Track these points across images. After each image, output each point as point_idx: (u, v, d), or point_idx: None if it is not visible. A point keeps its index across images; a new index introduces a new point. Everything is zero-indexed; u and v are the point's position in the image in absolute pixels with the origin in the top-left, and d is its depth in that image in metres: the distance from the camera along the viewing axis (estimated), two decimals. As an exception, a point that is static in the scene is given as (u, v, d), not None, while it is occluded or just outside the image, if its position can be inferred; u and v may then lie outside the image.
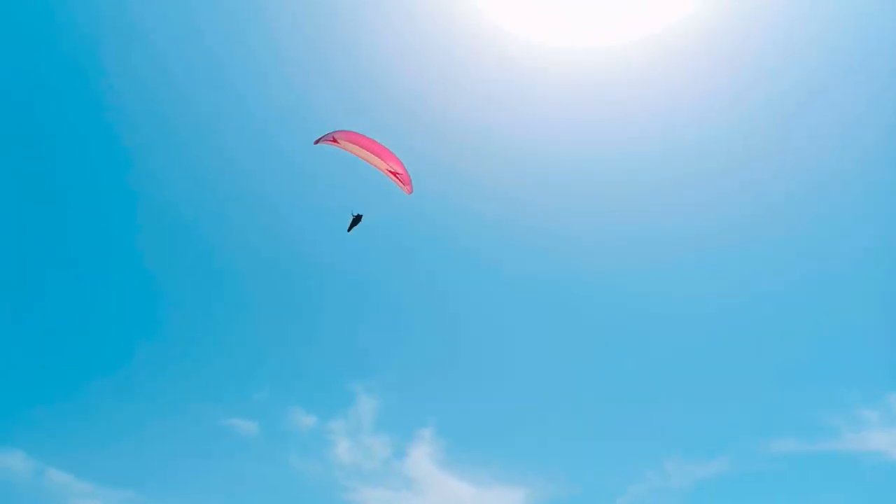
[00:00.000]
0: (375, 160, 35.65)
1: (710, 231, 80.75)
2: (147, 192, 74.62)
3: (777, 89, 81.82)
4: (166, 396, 62.99)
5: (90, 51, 72.79)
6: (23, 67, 69.58)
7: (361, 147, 35.27)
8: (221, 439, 62.49)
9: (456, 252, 79.73)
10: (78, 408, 59.92)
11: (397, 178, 35.98)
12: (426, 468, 69.38)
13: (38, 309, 63.90)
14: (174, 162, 75.45)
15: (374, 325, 74.37)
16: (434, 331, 75.67)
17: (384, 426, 69.00)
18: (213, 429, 62.48)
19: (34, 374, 61.27)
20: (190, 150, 75.42)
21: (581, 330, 78.55)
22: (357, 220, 36.46)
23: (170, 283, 70.77)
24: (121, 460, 57.41)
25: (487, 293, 77.92)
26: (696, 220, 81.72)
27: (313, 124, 77.98)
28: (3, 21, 68.35)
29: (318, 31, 78.36)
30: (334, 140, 34.78)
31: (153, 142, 74.40)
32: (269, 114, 78.09)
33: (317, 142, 34.60)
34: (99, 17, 72.83)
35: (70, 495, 54.28)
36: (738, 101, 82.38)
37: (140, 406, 61.53)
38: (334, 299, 74.61)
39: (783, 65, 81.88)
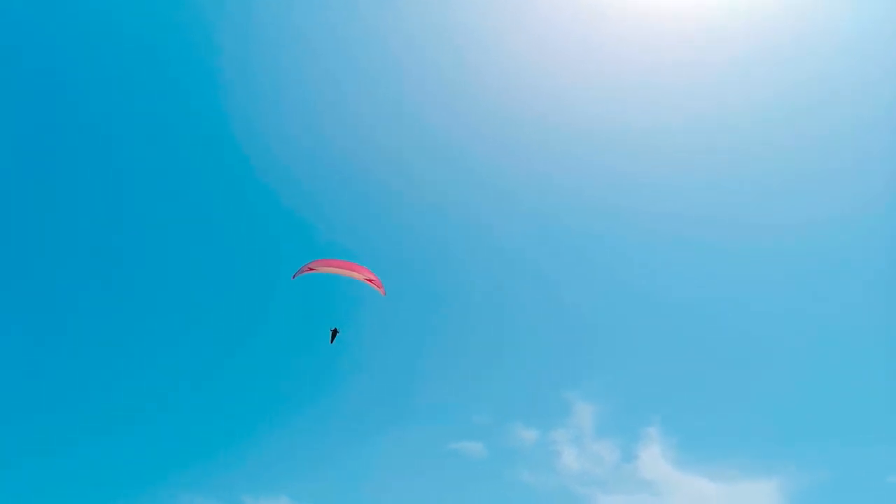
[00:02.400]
0: (353, 273, 38.28)
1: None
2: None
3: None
4: (396, 429, 69.98)
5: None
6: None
7: (336, 267, 38.21)
8: (452, 463, 67.96)
9: (648, 247, 74.98)
10: (321, 449, 68.58)
11: (373, 283, 38.18)
12: (661, 468, 66.87)
13: (286, 365, 74.92)
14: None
15: (579, 333, 73.72)
16: (644, 326, 72.05)
17: (607, 430, 68.31)
18: (443, 453, 68.18)
19: (284, 424, 70.54)
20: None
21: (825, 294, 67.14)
22: (335, 333, 39.37)
23: (382, 323, 78.30)
24: (367, 493, 66.33)
25: (699, 283, 71.94)
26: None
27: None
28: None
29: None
30: (311, 269, 38.26)
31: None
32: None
33: (295, 276, 38.45)
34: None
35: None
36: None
37: (376, 443, 69.03)
38: (536, 314, 75.81)
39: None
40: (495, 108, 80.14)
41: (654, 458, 67.09)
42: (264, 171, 77.52)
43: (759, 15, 76.03)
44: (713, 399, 67.96)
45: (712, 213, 75.95)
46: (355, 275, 38.26)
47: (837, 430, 63.12)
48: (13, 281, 69.38)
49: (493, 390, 72.15)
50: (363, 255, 76.49)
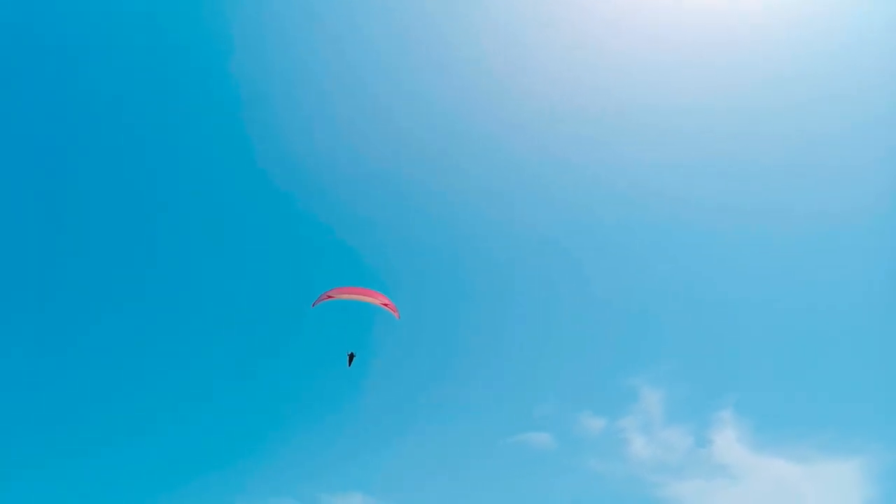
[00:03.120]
0: (369, 299, 39.16)
1: None
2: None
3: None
4: (463, 423, 69.47)
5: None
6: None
7: (352, 293, 39.16)
8: (520, 454, 66.86)
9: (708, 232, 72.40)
10: (389, 446, 68.28)
11: (388, 307, 38.99)
12: (736, 452, 64.81)
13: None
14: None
15: (642, 318, 72.02)
16: (708, 308, 69.60)
17: (677, 416, 66.70)
18: (509, 445, 67.20)
19: (352, 422, 70.59)
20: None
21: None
22: (351, 357, 40.33)
23: (441, 318, 78.05)
24: (437, 486, 66.00)
25: (766, 265, 69.05)
26: None
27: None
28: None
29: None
30: (329, 296, 39.35)
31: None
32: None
33: (314, 304, 39.62)
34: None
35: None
36: None
37: (444, 437, 68.71)
38: (597, 301, 74.49)
39: None
40: (530, 101, 79.09)
41: (728, 441, 65.08)
42: (283, 177, 79.39)
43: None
44: (787, 378, 65.40)
45: (784, 200, 72.63)
46: (372, 300, 39.10)
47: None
48: (60, 293, 72.43)
49: (558, 380, 71.79)
50: (410, 254, 77.49)
